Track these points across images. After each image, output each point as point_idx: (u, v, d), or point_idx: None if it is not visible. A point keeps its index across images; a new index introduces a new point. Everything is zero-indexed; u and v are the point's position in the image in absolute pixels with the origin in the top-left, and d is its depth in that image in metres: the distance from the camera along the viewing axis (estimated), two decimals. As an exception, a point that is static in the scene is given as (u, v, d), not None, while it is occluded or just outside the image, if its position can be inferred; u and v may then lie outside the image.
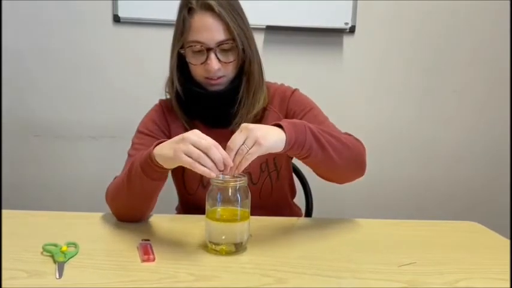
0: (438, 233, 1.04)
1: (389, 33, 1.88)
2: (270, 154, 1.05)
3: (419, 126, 1.96)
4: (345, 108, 1.91)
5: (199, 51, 1.02)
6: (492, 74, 1.94)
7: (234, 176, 0.82)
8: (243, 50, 1.04)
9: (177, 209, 1.25)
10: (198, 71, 1.05)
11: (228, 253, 0.83)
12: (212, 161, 0.77)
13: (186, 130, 0.86)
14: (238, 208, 0.83)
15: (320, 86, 1.86)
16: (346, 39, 1.86)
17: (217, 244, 0.83)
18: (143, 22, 1.77)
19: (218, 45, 1.01)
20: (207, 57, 1.01)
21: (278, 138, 0.84)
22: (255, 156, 0.80)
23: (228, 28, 1.00)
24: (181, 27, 1.02)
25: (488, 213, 1.78)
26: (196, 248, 0.86)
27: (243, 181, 0.83)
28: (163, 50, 1.75)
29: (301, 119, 1.06)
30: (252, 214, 0.86)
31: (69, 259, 0.78)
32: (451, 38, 1.90)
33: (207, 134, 0.81)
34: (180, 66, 1.08)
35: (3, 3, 1.73)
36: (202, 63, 1.03)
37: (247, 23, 1.06)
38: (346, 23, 1.81)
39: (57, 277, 0.72)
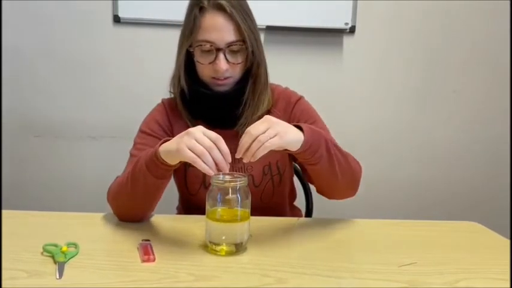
0: (438, 233, 1.04)
1: (390, 33, 1.88)
2: (273, 157, 1.08)
3: (419, 126, 1.96)
4: (345, 108, 1.91)
5: (208, 51, 1.02)
6: (492, 74, 1.94)
7: (234, 176, 0.82)
8: (252, 52, 1.04)
9: (177, 208, 1.25)
10: (205, 70, 1.05)
11: (228, 253, 0.83)
12: (214, 159, 0.79)
13: (185, 126, 0.86)
14: (239, 208, 0.83)
15: (320, 86, 1.87)
16: (346, 39, 1.86)
17: (217, 244, 0.83)
18: (143, 22, 1.77)
19: (228, 46, 1.01)
20: (216, 57, 1.01)
21: (297, 137, 0.86)
22: (273, 147, 0.81)
23: (238, 29, 1.00)
24: (192, 25, 1.01)
25: (488, 213, 1.78)
26: (196, 248, 0.86)
27: (243, 181, 0.83)
28: (163, 50, 1.76)
29: None
30: (252, 216, 0.86)
31: (69, 259, 0.78)
32: (451, 38, 1.90)
33: None
34: (187, 65, 1.07)
35: (4, 3, 1.73)
36: (210, 63, 1.02)
37: (256, 25, 1.06)
38: (346, 23, 1.81)
39: (57, 277, 0.72)
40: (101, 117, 1.85)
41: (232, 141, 1.07)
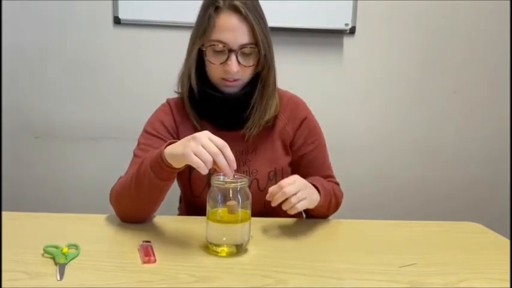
0: (438, 233, 1.04)
1: (389, 34, 1.88)
2: (278, 164, 1.11)
3: (420, 126, 1.95)
4: (345, 109, 1.91)
5: (221, 51, 1.01)
6: (492, 74, 1.94)
7: (235, 178, 0.83)
8: (264, 55, 1.04)
9: (179, 209, 1.25)
10: (216, 70, 1.04)
11: (229, 254, 0.83)
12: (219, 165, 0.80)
13: (195, 131, 0.87)
14: (239, 209, 0.83)
15: (320, 87, 1.87)
16: (346, 40, 1.86)
17: (218, 245, 0.83)
18: (144, 24, 1.77)
19: (240, 48, 1.01)
20: (228, 58, 1.01)
21: (317, 200, 0.98)
22: (300, 210, 0.91)
23: (252, 32, 1.00)
24: (206, 24, 1.01)
25: (488, 213, 1.78)
26: (197, 249, 0.86)
27: (243, 182, 0.83)
28: (164, 51, 1.78)
29: (308, 152, 1.14)
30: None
31: (70, 261, 0.78)
32: (451, 39, 1.90)
33: (220, 138, 0.83)
34: (197, 64, 1.07)
35: (4, 3, 1.73)
36: (221, 64, 1.02)
37: (269, 29, 1.06)
38: (346, 24, 1.81)
39: (58, 279, 0.72)
40: (102, 118, 1.84)
41: (238, 143, 1.09)
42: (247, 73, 1.05)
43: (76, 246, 0.83)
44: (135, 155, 1.08)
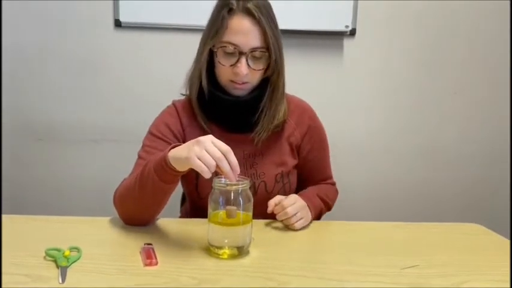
0: (440, 235, 1.04)
1: (390, 36, 1.88)
2: (285, 167, 1.13)
3: (420, 127, 1.96)
4: (346, 110, 1.91)
5: (231, 53, 1.02)
6: (492, 74, 1.94)
7: (236, 180, 0.82)
8: (275, 60, 1.04)
9: (183, 210, 1.25)
10: (225, 72, 1.04)
11: (231, 256, 0.83)
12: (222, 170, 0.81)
13: (203, 133, 0.88)
14: (241, 211, 0.83)
15: (321, 89, 1.87)
16: (347, 42, 1.86)
17: (219, 248, 0.83)
18: (144, 26, 1.78)
19: (251, 51, 1.01)
20: (238, 61, 1.01)
21: (310, 219, 1.06)
22: (298, 228, 1.01)
23: (264, 36, 1.01)
24: (218, 25, 1.01)
25: (489, 214, 1.78)
26: (199, 251, 0.86)
27: (245, 184, 0.83)
28: (165, 53, 1.78)
29: (314, 157, 1.18)
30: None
31: (72, 263, 0.78)
32: (451, 40, 1.90)
33: (225, 139, 0.84)
34: (207, 65, 1.07)
35: (5, 3, 1.73)
36: (231, 66, 1.02)
37: (280, 34, 1.06)
38: (347, 26, 1.81)
39: (60, 282, 0.72)
40: (103, 120, 1.85)
41: (246, 146, 1.10)
42: (256, 76, 1.05)
43: (78, 249, 0.83)
44: (139, 157, 1.08)
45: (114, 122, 1.85)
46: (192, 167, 0.81)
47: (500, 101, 1.96)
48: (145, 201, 0.95)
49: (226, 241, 0.83)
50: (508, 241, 0.99)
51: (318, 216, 1.11)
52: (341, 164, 1.27)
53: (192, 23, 1.71)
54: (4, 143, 1.83)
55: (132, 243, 0.89)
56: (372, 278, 0.78)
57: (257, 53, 1.02)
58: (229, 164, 0.81)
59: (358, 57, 1.88)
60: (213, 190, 0.84)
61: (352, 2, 1.80)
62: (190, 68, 1.10)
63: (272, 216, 1.02)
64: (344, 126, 1.90)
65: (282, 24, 1.68)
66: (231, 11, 1.00)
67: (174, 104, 1.16)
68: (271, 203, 1.00)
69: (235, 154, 0.82)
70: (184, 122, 1.12)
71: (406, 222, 1.11)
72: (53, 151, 1.86)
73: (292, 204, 0.99)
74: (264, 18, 1.00)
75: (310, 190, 1.15)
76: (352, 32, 1.83)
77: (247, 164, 1.10)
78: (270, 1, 1.06)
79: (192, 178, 1.10)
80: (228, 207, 0.82)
